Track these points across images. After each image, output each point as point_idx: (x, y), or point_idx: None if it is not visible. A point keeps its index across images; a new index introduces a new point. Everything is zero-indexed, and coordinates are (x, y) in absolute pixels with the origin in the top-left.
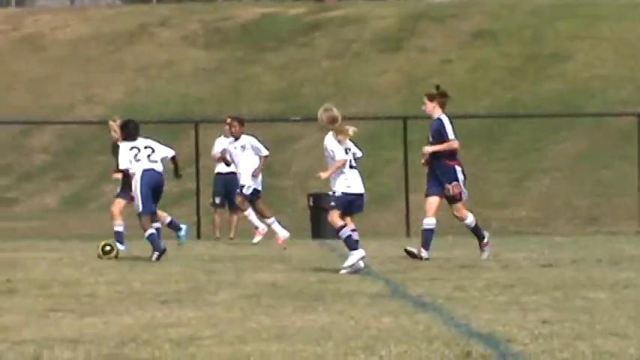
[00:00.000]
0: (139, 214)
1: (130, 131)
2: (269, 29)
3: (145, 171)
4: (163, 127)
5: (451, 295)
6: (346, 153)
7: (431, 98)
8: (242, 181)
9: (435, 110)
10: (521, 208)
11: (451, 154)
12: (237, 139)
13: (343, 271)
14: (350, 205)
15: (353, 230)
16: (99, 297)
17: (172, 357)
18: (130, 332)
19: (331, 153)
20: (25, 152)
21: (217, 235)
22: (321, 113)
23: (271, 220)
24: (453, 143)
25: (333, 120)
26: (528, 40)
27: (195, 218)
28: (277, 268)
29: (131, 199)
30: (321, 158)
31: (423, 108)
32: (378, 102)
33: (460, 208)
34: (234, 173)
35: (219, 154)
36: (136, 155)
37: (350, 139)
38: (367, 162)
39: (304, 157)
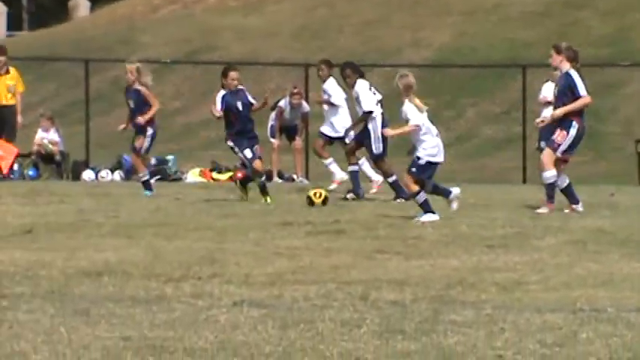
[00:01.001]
0: (377, 157)
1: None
2: None
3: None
4: (489, 71)
5: None
6: (433, 124)
7: (558, 51)
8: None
9: (562, 64)
10: None
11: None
12: (324, 82)
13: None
14: (426, 172)
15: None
16: (425, 240)
17: (498, 301)
18: (457, 275)
19: (406, 117)
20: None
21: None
22: (397, 80)
23: (329, 160)
24: (586, 99)
25: (408, 88)
26: None
27: (522, 162)
28: (604, 214)
29: None
30: None
31: (550, 61)
32: None
33: (547, 155)
34: None
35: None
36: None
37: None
38: None
39: (631, 102)
